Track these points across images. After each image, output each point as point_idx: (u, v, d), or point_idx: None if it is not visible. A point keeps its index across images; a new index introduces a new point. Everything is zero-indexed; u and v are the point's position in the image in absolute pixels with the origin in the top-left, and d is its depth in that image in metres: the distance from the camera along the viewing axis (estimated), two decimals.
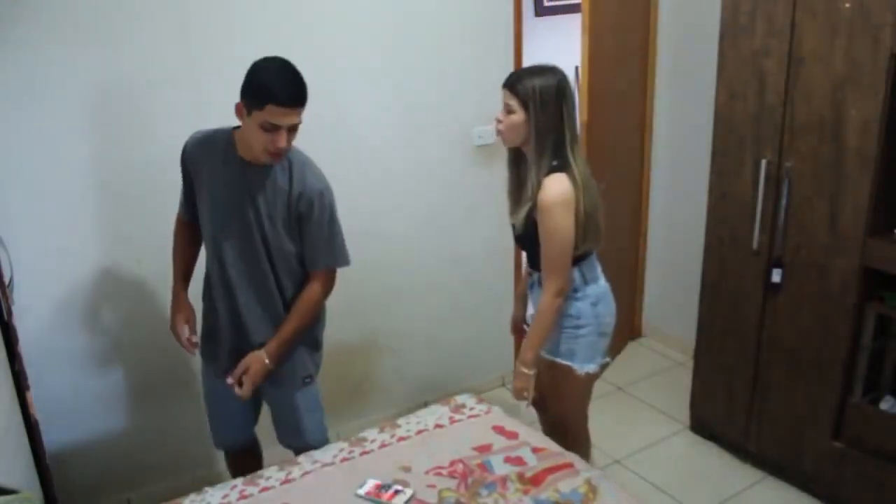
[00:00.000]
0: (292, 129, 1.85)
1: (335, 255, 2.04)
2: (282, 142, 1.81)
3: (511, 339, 3.47)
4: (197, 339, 2.14)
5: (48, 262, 2.29)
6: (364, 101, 2.77)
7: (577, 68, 3.60)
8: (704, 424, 2.97)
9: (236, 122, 1.96)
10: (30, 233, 2.23)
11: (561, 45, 3.86)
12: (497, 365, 3.46)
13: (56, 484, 2.04)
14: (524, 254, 2.26)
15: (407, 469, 1.92)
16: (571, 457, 1.97)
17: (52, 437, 2.28)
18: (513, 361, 3.51)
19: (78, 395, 2.44)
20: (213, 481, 2.16)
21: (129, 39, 2.25)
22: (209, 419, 2.26)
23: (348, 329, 2.95)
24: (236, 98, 2.02)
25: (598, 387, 3.41)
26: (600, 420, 3.16)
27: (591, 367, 2.18)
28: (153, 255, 2.36)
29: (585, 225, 2.04)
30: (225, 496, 1.84)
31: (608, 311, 2.21)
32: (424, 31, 2.83)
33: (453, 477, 1.88)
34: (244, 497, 1.84)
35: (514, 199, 2.16)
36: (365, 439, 2.08)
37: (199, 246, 2.13)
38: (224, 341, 2.07)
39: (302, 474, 1.92)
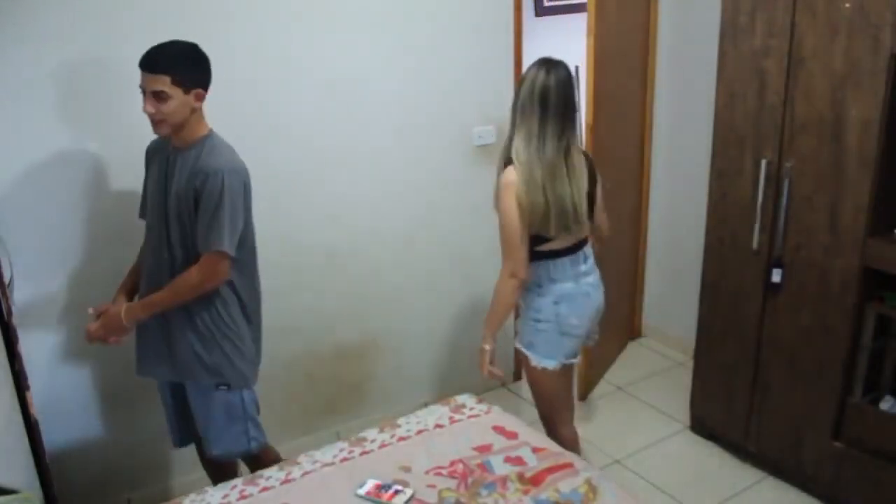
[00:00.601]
0: (157, 96, 1.86)
1: (213, 238, 1.92)
2: (145, 106, 1.87)
3: (511, 338, 3.47)
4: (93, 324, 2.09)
5: (48, 262, 2.29)
6: (364, 101, 2.77)
7: (577, 68, 3.60)
8: (704, 424, 2.97)
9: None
10: (30, 233, 2.23)
11: (561, 46, 3.84)
12: (497, 365, 3.45)
13: (56, 484, 2.04)
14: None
15: (407, 469, 1.92)
16: (571, 457, 1.97)
17: (52, 437, 2.28)
18: (513, 362, 3.51)
19: (78, 395, 2.44)
20: (213, 482, 2.17)
21: (128, 39, 2.25)
22: None
23: (348, 329, 2.95)
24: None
25: (598, 386, 3.45)
26: (600, 420, 3.17)
27: (550, 364, 2.22)
28: None
29: (539, 218, 2.08)
30: (225, 496, 1.84)
31: (572, 313, 2.21)
32: (424, 32, 2.83)
33: (453, 477, 1.88)
34: (244, 497, 1.84)
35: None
36: (365, 439, 2.08)
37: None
38: (144, 335, 2.13)
39: (302, 474, 1.92)
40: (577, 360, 2.32)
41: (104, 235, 2.35)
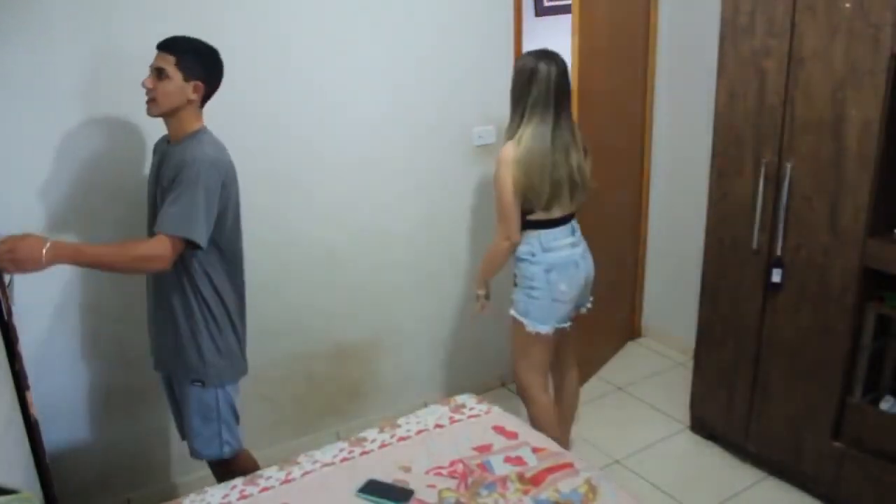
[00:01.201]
0: (158, 74, 1.92)
1: (172, 221, 1.87)
2: (145, 80, 1.93)
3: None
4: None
5: None
6: (364, 101, 2.77)
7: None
8: (704, 424, 2.97)
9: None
10: (31, 231, 2.23)
11: (561, 45, 3.85)
12: (497, 365, 3.46)
13: (56, 484, 2.04)
14: None
15: (407, 469, 1.92)
16: (571, 457, 1.97)
17: (52, 437, 2.28)
18: (513, 362, 3.51)
19: (78, 395, 2.44)
20: (213, 481, 2.17)
21: (128, 39, 2.25)
22: None
23: (348, 329, 2.95)
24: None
25: (598, 387, 3.45)
26: (600, 420, 3.17)
27: (544, 328, 2.43)
28: None
29: (531, 191, 2.31)
30: (225, 496, 1.84)
31: (563, 280, 2.41)
32: (425, 32, 2.83)
33: (453, 477, 1.88)
34: (244, 497, 1.84)
35: None
36: (365, 439, 2.08)
37: None
38: (150, 325, 2.18)
39: (302, 474, 1.92)
40: (568, 325, 2.51)
41: (107, 234, 2.35)
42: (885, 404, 2.37)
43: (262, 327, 2.63)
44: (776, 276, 2.49)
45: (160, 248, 1.87)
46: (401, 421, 2.17)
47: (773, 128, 2.43)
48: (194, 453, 2.17)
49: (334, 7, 2.61)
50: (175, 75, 1.91)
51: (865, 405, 2.38)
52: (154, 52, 1.94)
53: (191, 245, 1.92)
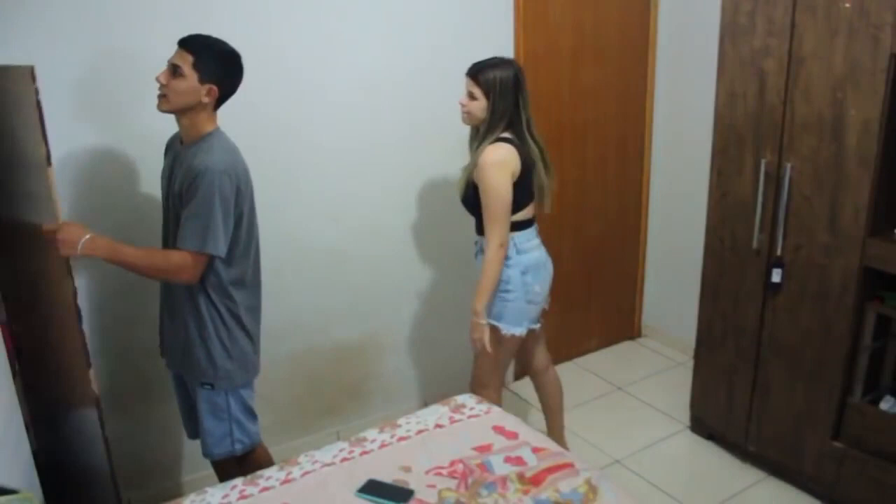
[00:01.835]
0: (174, 70, 1.90)
1: (193, 237, 1.89)
2: (160, 74, 1.91)
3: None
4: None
5: None
6: (364, 101, 2.77)
7: None
8: (704, 424, 2.97)
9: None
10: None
11: None
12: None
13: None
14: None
15: (407, 469, 1.92)
16: (571, 457, 1.97)
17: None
18: (513, 361, 3.51)
19: None
20: (213, 481, 2.17)
21: (126, 38, 2.25)
22: None
23: (348, 329, 2.95)
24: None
25: (599, 387, 3.46)
26: (600, 420, 3.17)
27: (518, 331, 2.41)
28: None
29: (528, 190, 2.33)
30: (225, 496, 1.84)
31: (537, 282, 2.41)
32: (425, 32, 2.83)
33: (453, 477, 1.88)
34: (244, 497, 1.83)
35: (464, 170, 2.41)
36: (365, 439, 2.08)
37: None
38: (161, 321, 2.19)
39: (302, 474, 1.92)
40: (538, 326, 2.51)
41: (114, 234, 2.35)
42: (885, 404, 2.37)
43: (262, 327, 2.62)
44: (776, 276, 2.49)
45: (185, 264, 1.91)
46: (401, 421, 2.17)
47: (773, 128, 2.43)
48: (207, 452, 2.17)
49: (334, 7, 2.61)
50: (190, 75, 1.88)
51: (865, 405, 2.38)
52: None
53: (212, 257, 1.94)
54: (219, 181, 1.88)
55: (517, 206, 2.32)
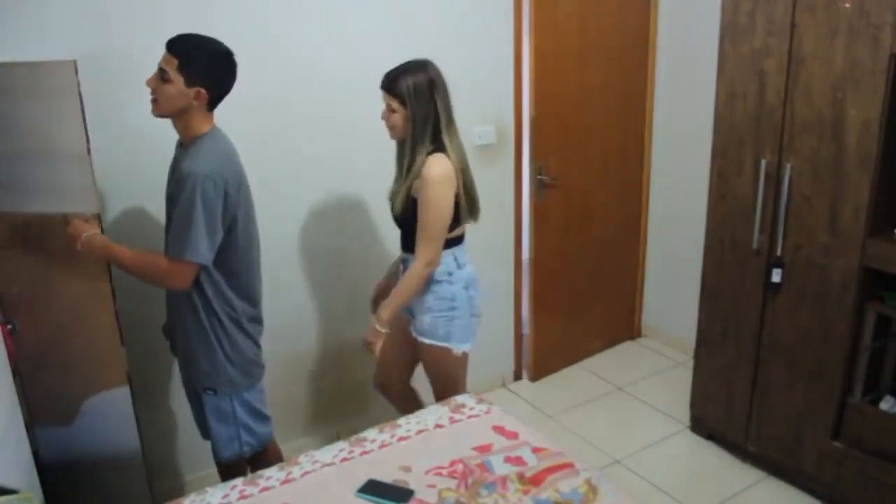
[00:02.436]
0: (161, 75, 1.87)
1: (176, 245, 1.88)
2: (149, 78, 1.89)
3: (511, 338, 3.48)
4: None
5: None
6: (365, 101, 2.76)
7: None
8: (704, 424, 2.97)
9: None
10: None
11: None
12: (497, 365, 3.46)
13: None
14: (402, 238, 2.36)
15: (407, 469, 1.92)
16: (571, 457, 1.97)
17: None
18: (513, 361, 3.52)
19: None
20: (213, 481, 2.17)
21: (125, 37, 2.25)
22: None
23: (348, 329, 2.95)
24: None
25: (599, 387, 3.45)
26: (600, 420, 3.17)
27: (467, 346, 2.35)
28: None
29: (465, 204, 2.22)
30: (225, 496, 1.84)
31: (477, 295, 2.36)
32: (425, 32, 2.82)
33: (453, 477, 1.88)
34: (244, 497, 1.83)
35: (398, 183, 2.26)
36: (365, 439, 2.08)
37: None
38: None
39: (302, 474, 1.92)
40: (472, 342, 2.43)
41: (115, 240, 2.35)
42: (885, 404, 2.37)
43: (265, 326, 2.63)
44: (776, 276, 2.49)
45: (169, 271, 1.91)
46: (401, 421, 2.17)
47: (773, 128, 2.43)
48: (215, 454, 2.18)
49: (334, 7, 2.61)
50: (177, 79, 1.84)
51: (865, 405, 2.38)
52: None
53: (196, 265, 1.91)
54: (202, 186, 1.83)
55: (457, 221, 2.23)
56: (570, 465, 1.91)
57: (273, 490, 1.86)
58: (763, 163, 2.47)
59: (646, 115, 3.62)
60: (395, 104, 2.14)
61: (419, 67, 2.15)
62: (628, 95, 3.53)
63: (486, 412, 2.20)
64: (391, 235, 2.96)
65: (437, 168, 2.13)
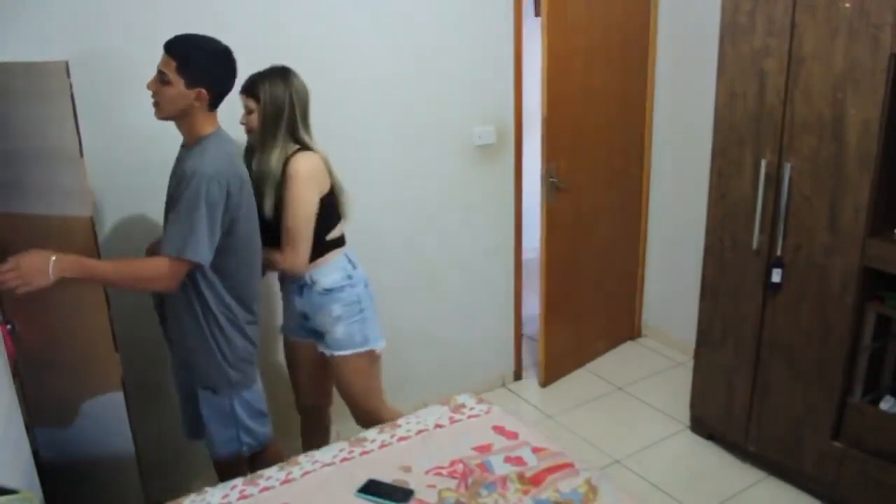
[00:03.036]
0: (160, 77, 1.86)
1: (173, 242, 1.84)
2: (149, 82, 1.89)
3: (511, 338, 3.48)
4: None
5: None
6: (364, 101, 2.77)
7: None
8: (704, 424, 2.97)
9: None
10: None
11: None
12: (497, 365, 3.46)
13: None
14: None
15: (407, 469, 1.92)
16: (571, 457, 1.97)
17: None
18: (513, 361, 3.51)
19: None
20: (213, 481, 2.16)
21: (130, 37, 2.25)
22: None
23: None
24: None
25: (599, 386, 3.45)
26: (600, 420, 3.17)
27: (382, 342, 2.34)
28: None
29: (338, 202, 2.22)
30: (225, 496, 1.84)
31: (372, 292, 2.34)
32: (425, 32, 2.83)
33: (453, 477, 1.88)
34: (244, 497, 1.83)
35: (261, 190, 2.13)
36: (365, 439, 2.08)
37: None
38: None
39: (302, 474, 1.92)
40: None
41: (105, 233, 2.35)
42: (885, 404, 2.37)
43: (262, 327, 2.62)
44: (776, 276, 2.49)
45: (162, 270, 1.85)
46: (401, 421, 2.17)
47: (773, 128, 2.43)
48: (212, 453, 2.18)
49: (334, 7, 2.61)
50: (176, 81, 1.83)
51: (865, 405, 2.38)
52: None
53: (194, 264, 1.89)
54: (205, 186, 1.82)
55: (335, 220, 2.21)
56: (570, 465, 1.91)
57: (273, 490, 1.86)
58: (763, 163, 2.47)
59: (646, 115, 3.62)
60: (252, 104, 2.13)
61: (274, 69, 2.14)
62: (629, 95, 3.53)
63: (486, 412, 2.20)
64: (390, 235, 2.97)
65: (304, 165, 2.10)
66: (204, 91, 1.87)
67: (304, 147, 2.15)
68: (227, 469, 2.22)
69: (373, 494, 1.81)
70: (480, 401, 2.28)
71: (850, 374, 2.39)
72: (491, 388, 3.42)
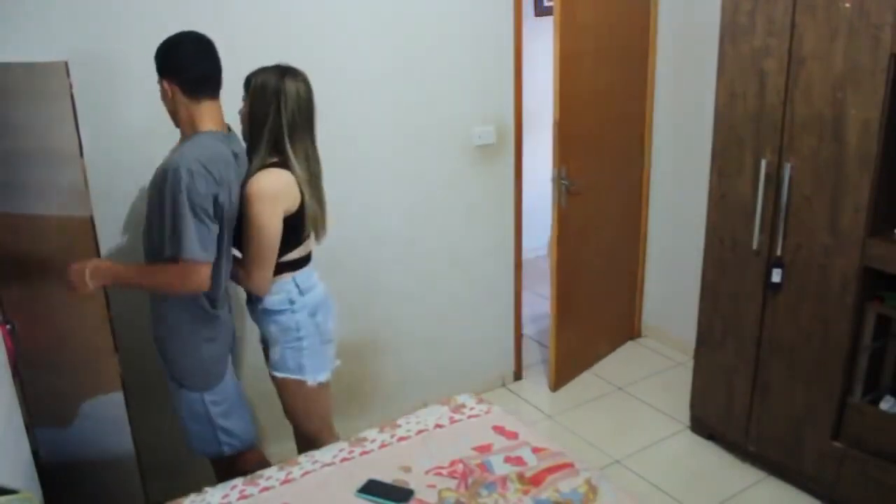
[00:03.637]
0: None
1: (181, 244, 1.82)
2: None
3: (511, 338, 3.48)
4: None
5: None
6: (364, 101, 2.77)
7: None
8: (704, 424, 2.97)
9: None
10: None
11: None
12: (497, 365, 3.46)
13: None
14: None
15: (407, 469, 1.92)
16: (571, 457, 1.97)
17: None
18: (513, 361, 3.51)
19: None
20: (213, 481, 2.16)
21: (126, 37, 2.25)
22: None
23: (348, 329, 2.94)
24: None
25: (599, 387, 3.45)
26: (600, 420, 3.17)
27: (323, 376, 2.20)
28: None
29: (312, 220, 2.05)
30: (225, 496, 1.84)
31: (328, 319, 2.20)
32: (424, 32, 2.83)
33: (453, 477, 1.88)
34: (244, 497, 1.83)
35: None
36: (365, 439, 2.08)
37: None
38: None
39: (302, 474, 1.92)
40: (338, 363, 2.29)
41: (104, 233, 2.35)
42: (885, 404, 2.37)
43: (248, 330, 2.62)
44: (776, 276, 2.50)
45: (187, 277, 1.87)
46: (401, 421, 2.17)
47: (773, 128, 2.43)
48: (191, 448, 2.17)
49: (333, 8, 2.61)
50: (162, 83, 1.92)
51: (865, 405, 2.38)
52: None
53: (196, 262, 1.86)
54: (180, 178, 1.79)
55: (296, 242, 2.07)
56: (570, 465, 1.91)
57: (273, 490, 1.86)
58: (763, 162, 2.47)
59: (646, 115, 3.62)
60: (247, 97, 2.02)
61: (275, 68, 2.00)
62: (629, 95, 3.53)
63: (486, 412, 2.20)
64: (391, 236, 2.97)
65: (263, 183, 1.94)
66: (170, 79, 1.90)
67: (282, 163, 1.99)
68: (225, 469, 2.22)
69: (373, 494, 1.81)
70: (480, 401, 2.28)
71: (850, 374, 2.39)
72: (491, 389, 3.42)
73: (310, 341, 2.14)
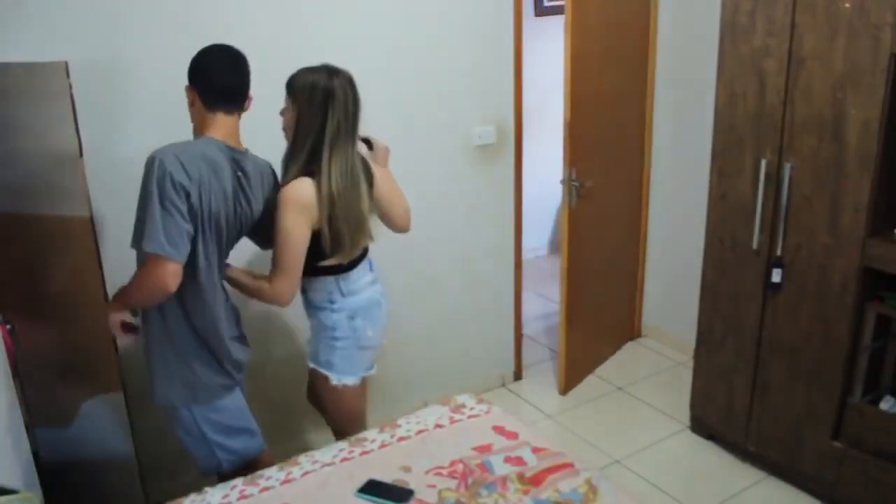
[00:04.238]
0: None
1: (143, 235, 1.74)
2: None
3: (511, 338, 3.48)
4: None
5: None
6: (364, 101, 2.75)
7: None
8: (704, 424, 2.97)
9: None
10: None
11: (561, 46, 3.87)
12: (497, 365, 3.46)
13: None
14: None
15: (407, 469, 1.92)
16: (571, 457, 1.97)
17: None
18: (513, 361, 3.51)
19: None
20: (213, 481, 2.17)
21: (125, 38, 2.25)
22: None
23: None
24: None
25: (599, 387, 3.45)
26: (600, 420, 3.17)
27: (350, 380, 2.20)
28: None
29: (333, 236, 2.00)
30: (225, 496, 1.84)
31: (370, 325, 2.18)
32: (425, 32, 2.83)
33: (453, 477, 1.88)
34: (244, 497, 1.83)
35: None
36: (365, 439, 2.08)
37: None
38: None
39: (302, 474, 1.92)
40: (373, 371, 2.29)
41: (104, 233, 2.35)
42: (885, 404, 2.37)
43: (262, 327, 2.63)
44: (776, 276, 2.50)
45: (150, 272, 1.78)
46: (401, 421, 2.17)
47: (773, 128, 2.43)
48: (197, 467, 2.15)
49: (333, 7, 2.61)
50: (186, 87, 1.94)
51: (865, 405, 2.38)
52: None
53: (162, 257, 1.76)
54: (159, 169, 1.75)
55: (326, 254, 2.03)
56: (570, 465, 1.91)
57: (273, 490, 1.86)
58: (763, 163, 2.47)
59: (646, 115, 3.62)
60: (289, 104, 2.00)
61: (324, 71, 1.98)
62: (631, 95, 3.53)
63: (486, 412, 2.20)
64: (390, 236, 2.96)
65: (292, 192, 1.93)
66: (193, 87, 1.92)
67: (312, 172, 1.96)
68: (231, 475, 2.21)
69: (373, 494, 1.81)
70: (480, 401, 2.28)
71: (850, 374, 2.39)
72: (491, 389, 3.42)
73: (344, 343, 2.15)
